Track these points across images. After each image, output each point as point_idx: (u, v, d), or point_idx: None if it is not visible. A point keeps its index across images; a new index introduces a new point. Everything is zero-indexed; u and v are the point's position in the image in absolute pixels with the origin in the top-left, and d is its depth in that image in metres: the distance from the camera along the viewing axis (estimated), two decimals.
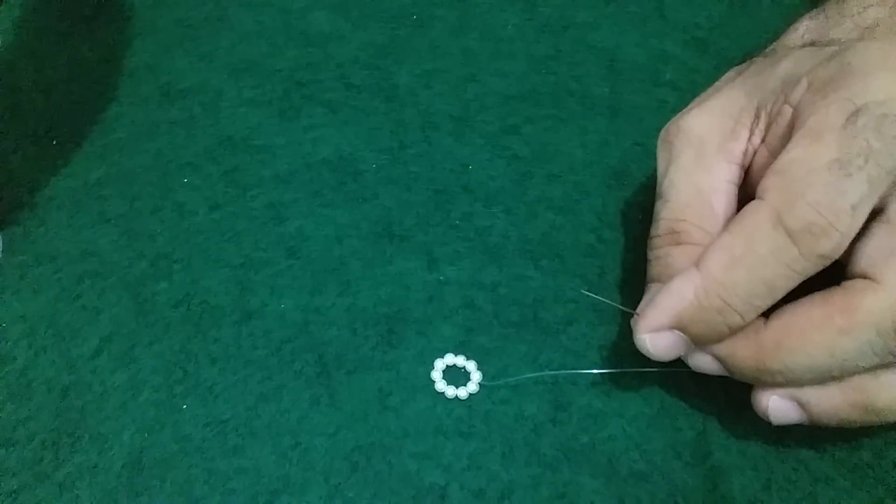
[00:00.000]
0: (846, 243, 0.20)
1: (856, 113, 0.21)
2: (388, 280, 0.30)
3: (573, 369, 0.27)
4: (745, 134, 0.25)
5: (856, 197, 0.20)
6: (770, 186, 0.22)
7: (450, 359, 0.27)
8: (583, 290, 0.27)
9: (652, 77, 0.35)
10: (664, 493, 0.25)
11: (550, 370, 0.27)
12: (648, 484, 0.25)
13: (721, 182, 0.25)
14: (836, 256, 0.21)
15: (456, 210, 0.31)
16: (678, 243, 0.25)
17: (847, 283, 0.21)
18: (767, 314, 0.22)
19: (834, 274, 0.22)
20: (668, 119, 0.33)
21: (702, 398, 0.26)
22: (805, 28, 0.28)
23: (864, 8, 0.27)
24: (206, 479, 0.25)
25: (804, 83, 0.23)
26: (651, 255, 0.26)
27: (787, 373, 0.21)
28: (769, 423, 0.23)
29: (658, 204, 0.26)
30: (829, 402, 0.22)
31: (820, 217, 0.20)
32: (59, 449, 0.26)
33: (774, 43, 0.28)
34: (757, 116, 0.25)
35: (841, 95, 0.21)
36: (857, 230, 0.21)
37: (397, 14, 0.38)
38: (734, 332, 0.22)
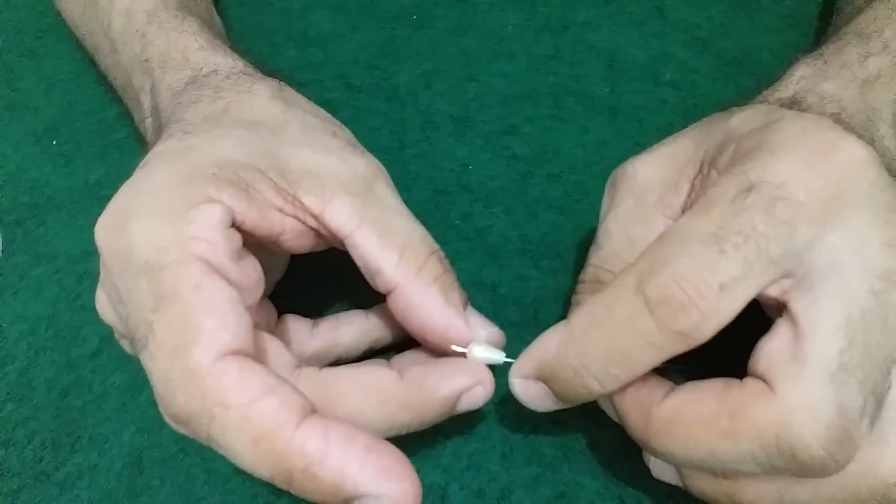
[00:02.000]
0: (712, 326, 0.19)
1: (748, 189, 0.19)
2: None
3: None
4: (686, 188, 0.23)
5: (725, 276, 0.18)
6: (645, 252, 0.20)
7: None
8: None
9: (652, 77, 0.35)
10: (664, 493, 0.25)
11: None
12: (648, 484, 0.25)
13: (655, 236, 0.23)
14: (702, 338, 0.19)
15: (456, 210, 0.31)
16: (597, 292, 0.23)
17: (746, 382, 0.19)
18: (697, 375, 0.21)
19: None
20: (668, 119, 0.33)
21: None
22: (800, 76, 0.26)
23: (865, 57, 0.26)
24: (206, 479, 0.25)
25: (731, 150, 0.21)
26: (573, 299, 0.25)
27: (669, 457, 0.20)
28: None
29: (591, 249, 0.25)
30: (703, 483, 0.21)
31: (680, 291, 0.19)
32: (59, 449, 0.26)
33: (766, 91, 0.26)
34: (700, 171, 0.23)
35: (742, 170, 0.20)
36: (728, 314, 0.19)
37: (397, 14, 0.38)
38: (599, 397, 0.21)
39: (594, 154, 0.33)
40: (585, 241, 0.30)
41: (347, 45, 0.37)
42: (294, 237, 0.23)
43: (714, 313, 0.19)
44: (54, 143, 0.34)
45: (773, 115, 0.22)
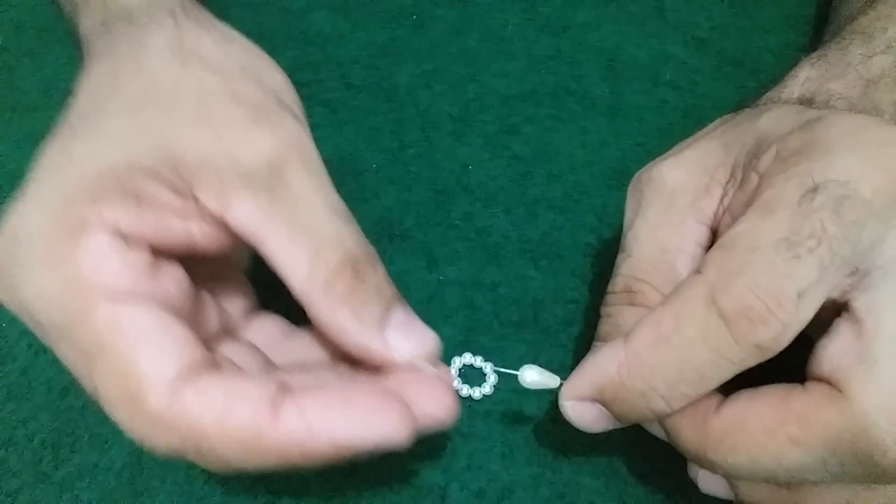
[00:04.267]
0: (790, 335, 0.18)
1: (813, 190, 0.19)
2: None
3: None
4: (718, 192, 0.22)
5: (803, 283, 0.18)
6: (710, 260, 0.19)
7: (468, 358, 0.27)
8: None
9: (652, 77, 0.35)
10: (664, 493, 0.25)
11: (550, 370, 0.27)
12: (648, 484, 0.25)
13: (688, 242, 0.23)
14: (778, 349, 0.18)
15: (456, 210, 0.31)
16: (632, 304, 0.23)
17: (810, 387, 0.19)
18: (727, 389, 0.20)
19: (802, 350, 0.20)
20: (668, 119, 0.33)
21: None
22: (805, 77, 0.26)
23: (869, 56, 0.26)
24: (206, 479, 0.25)
25: (773, 151, 0.21)
26: (603, 311, 0.24)
27: (728, 469, 0.19)
28: None
29: (619, 257, 0.24)
30: (759, 494, 0.21)
31: (758, 301, 0.18)
32: (59, 449, 0.26)
33: (770, 92, 0.26)
34: (733, 175, 0.22)
35: (801, 170, 0.19)
36: (804, 322, 0.18)
37: (397, 14, 0.38)
38: (661, 417, 0.20)
39: (594, 154, 0.33)
40: (585, 241, 0.30)
41: (347, 45, 0.37)
42: (210, 241, 0.20)
43: (793, 322, 0.18)
44: None
45: (808, 115, 0.21)
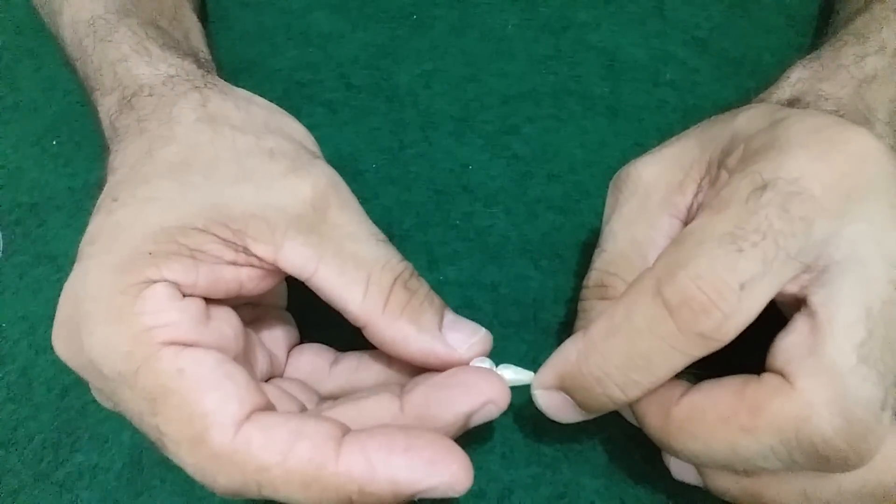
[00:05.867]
0: (734, 326, 0.18)
1: (762, 188, 0.19)
2: None
3: None
4: (692, 188, 0.23)
5: (745, 276, 0.18)
6: (661, 255, 0.20)
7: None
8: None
9: (652, 77, 0.35)
10: (664, 493, 0.25)
11: None
12: (648, 484, 0.25)
13: (661, 237, 0.23)
14: (724, 339, 0.19)
15: (456, 210, 0.31)
16: (604, 298, 0.23)
17: (764, 378, 0.19)
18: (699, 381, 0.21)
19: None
20: (668, 119, 0.33)
21: None
22: (797, 78, 0.26)
23: (862, 57, 0.26)
24: None
25: (740, 150, 0.21)
26: (579, 306, 0.24)
27: (690, 456, 0.20)
28: None
29: (595, 252, 0.25)
30: (725, 481, 0.21)
31: (699, 292, 0.18)
32: (59, 449, 0.26)
33: (763, 93, 0.27)
34: (707, 172, 0.23)
35: (755, 168, 0.20)
36: (750, 314, 0.19)
37: (397, 14, 0.38)
38: (621, 405, 0.21)
39: (594, 154, 0.33)
40: (585, 241, 0.30)
41: (347, 45, 0.37)
42: (257, 283, 0.22)
43: (735, 313, 0.18)
44: (54, 143, 0.34)
45: (778, 115, 0.22)
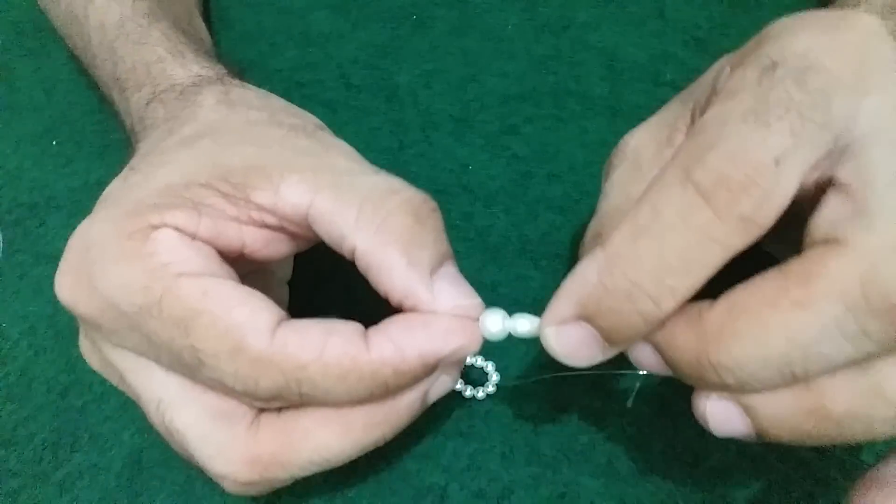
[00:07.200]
0: (774, 207, 0.17)
1: (772, 67, 0.18)
2: None
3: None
4: (681, 138, 0.22)
5: (778, 149, 0.17)
6: (680, 148, 0.18)
7: (468, 358, 0.27)
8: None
9: (652, 77, 0.35)
10: (664, 493, 0.25)
11: (551, 371, 0.27)
12: (648, 484, 0.25)
13: None
14: (765, 224, 0.17)
15: (456, 210, 0.31)
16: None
17: (805, 253, 0.17)
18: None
19: None
20: None
21: None
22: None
23: None
24: (207, 479, 0.25)
25: (727, 69, 0.20)
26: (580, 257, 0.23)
27: (736, 369, 0.17)
28: None
29: (591, 222, 0.23)
30: (779, 406, 0.18)
31: (735, 169, 0.17)
32: (59, 449, 0.26)
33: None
34: (693, 119, 0.22)
35: (757, 55, 0.19)
36: (787, 194, 0.17)
37: (397, 14, 0.38)
38: (653, 325, 0.18)
39: (594, 154, 0.33)
40: None
41: (347, 45, 0.37)
42: (261, 246, 0.22)
43: (775, 191, 0.17)
44: (54, 143, 0.34)
45: (761, 33, 0.21)
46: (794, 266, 0.17)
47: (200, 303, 0.19)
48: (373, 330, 0.20)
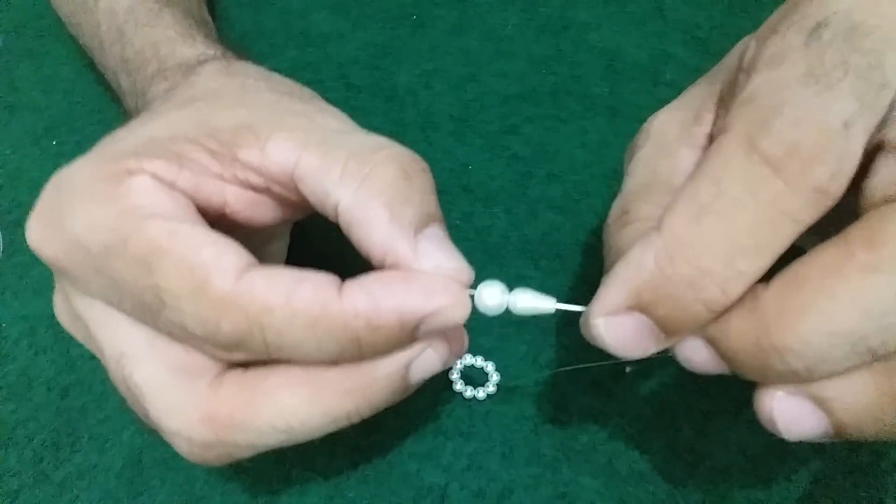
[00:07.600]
0: (846, 174, 0.16)
1: (817, 28, 0.17)
2: None
3: (583, 364, 0.27)
4: (709, 117, 0.21)
5: (846, 113, 0.16)
6: (736, 117, 0.17)
7: (468, 359, 0.27)
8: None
9: (652, 77, 0.35)
10: (664, 493, 0.25)
11: (551, 369, 0.27)
12: (648, 484, 0.25)
13: (684, 164, 0.21)
14: (837, 194, 0.16)
15: (456, 210, 0.31)
16: (626, 224, 0.21)
17: (865, 217, 0.16)
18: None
19: None
20: None
21: (702, 398, 0.26)
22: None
23: None
24: (206, 479, 0.25)
25: (752, 44, 0.19)
26: (604, 247, 0.22)
27: (803, 350, 0.15)
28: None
29: (616, 200, 0.22)
30: (858, 393, 0.16)
31: (805, 135, 0.15)
32: (59, 449, 0.26)
33: None
34: (721, 98, 0.21)
35: (796, 17, 0.17)
36: (855, 159, 0.16)
37: (397, 14, 0.38)
38: (716, 313, 0.17)
39: (594, 154, 0.33)
40: (585, 242, 0.30)
41: (347, 45, 0.37)
42: (244, 207, 0.21)
43: (847, 157, 0.16)
44: (54, 143, 0.34)
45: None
46: (856, 231, 0.16)
47: (167, 241, 0.17)
48: (349, 281, 0.18)
